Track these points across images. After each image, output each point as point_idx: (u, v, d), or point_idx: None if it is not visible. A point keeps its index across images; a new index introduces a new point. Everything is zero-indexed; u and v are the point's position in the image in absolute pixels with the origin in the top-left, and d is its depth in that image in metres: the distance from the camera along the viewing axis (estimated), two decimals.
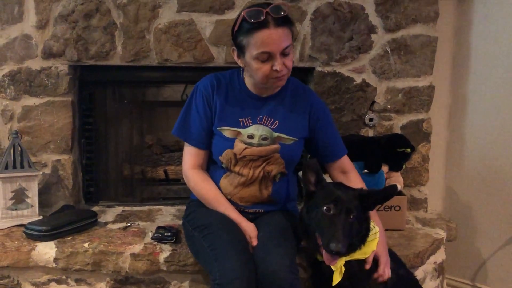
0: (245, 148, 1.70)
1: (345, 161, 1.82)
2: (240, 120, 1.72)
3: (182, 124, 1.77)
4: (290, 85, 1.77)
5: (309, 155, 1.97)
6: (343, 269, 1.52)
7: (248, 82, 1.75)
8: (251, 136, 1.71)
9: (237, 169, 1.72)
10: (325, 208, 1.49)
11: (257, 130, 1.71)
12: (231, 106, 1.73)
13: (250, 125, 1.72)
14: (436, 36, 2.28)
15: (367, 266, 1.57)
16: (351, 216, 1.48)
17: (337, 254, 1.43)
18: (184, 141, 1.79)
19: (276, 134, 1.72)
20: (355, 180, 1.76)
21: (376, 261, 1.58)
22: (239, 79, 1.76)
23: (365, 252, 1.56)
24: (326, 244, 1.43)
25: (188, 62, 2.22)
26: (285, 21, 1.58)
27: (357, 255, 1.55)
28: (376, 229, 1.63)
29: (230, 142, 1.71)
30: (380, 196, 1.56)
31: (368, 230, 1.57)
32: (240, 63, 1.68)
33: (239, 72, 1.78)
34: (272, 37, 1.54)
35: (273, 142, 1.72)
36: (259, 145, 1.70)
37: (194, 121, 1.74)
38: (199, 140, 1.75)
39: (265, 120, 1.73)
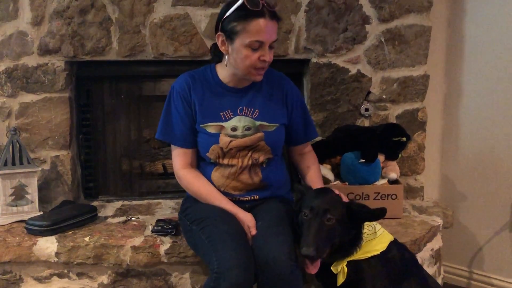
0: (231, 141, 1.72)
1: (308, 144, 1.94)
2: (221, 114, 1.74)
3: (165, 127, 1.78)
4: (264, 73, 1.77)
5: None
6: (346, 269, 1.54)
7: (223, 75, 1.76)
8: (234, 129, 1.73)
9: (226, 161, 1.75)
10: (303, 213, 1.54)
11: (239, 122, 1.73)
12: (210, 101, 1.75)
13: (231, 118, 1.74)
14: (430, 25, 2.29)
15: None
16: (328, 219, 1.49)
17: (308, 258, 1.46)
18: (170, 143, 1.81)
19: (258, 122, 1.75)
20: (310, 160, 1.90)
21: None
22: (213, 73, 1.77)
23: (367, 251, 1.58)
24: (300, 249, 1.46)
25: (184, 56, 2.22)
26: (276, 16, 1.65)
27: (359, 255, 1.57)
28: (375, 228, 1.64)
29: (215, 138, 1.73)
30: (368, 214, 1.55)
31: (359, 235, 1.57)
32: (223, 49, 1.68)
33: (212, 67, 1.79)
34: (267, 27, 1.60)
35: (256, 131, 1.74)
36: (243, 136, 1.73)
37: (177, 122, 1.76)
38: (184, 140, 1.77)
39: (245, 110, 1.75)
